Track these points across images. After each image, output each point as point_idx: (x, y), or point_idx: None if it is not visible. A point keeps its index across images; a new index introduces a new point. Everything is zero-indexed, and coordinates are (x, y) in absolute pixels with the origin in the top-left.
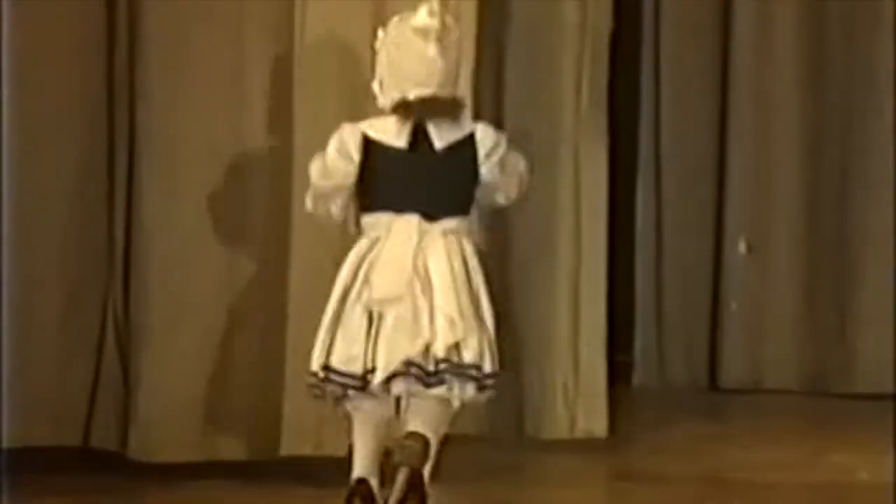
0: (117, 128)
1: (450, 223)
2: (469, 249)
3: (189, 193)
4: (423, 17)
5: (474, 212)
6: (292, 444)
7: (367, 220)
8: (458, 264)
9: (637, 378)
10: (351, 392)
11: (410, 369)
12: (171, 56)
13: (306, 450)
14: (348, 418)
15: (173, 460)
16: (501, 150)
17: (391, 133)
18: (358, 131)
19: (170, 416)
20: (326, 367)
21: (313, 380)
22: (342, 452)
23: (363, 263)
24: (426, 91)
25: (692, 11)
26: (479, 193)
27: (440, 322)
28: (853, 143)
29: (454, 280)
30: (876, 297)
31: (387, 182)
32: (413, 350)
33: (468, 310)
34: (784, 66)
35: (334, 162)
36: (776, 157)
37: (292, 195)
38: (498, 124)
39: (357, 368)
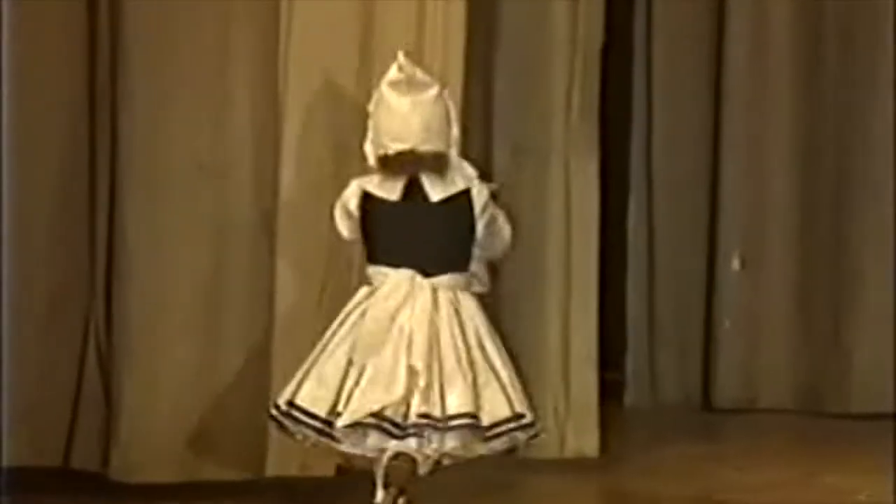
0: (98, 148)
1: (443, 279)
2: (466, 303)
3: (172, 210)
4: (393, 72)
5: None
6: (278, 464)
7: (370, 270)
8: (448, 320)
9: (629, 397)
10: (309, 433)
11: (383, 423)
12: (155, 66)
13: (292, 470)
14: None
15: (155, 480)
16: (490, 208)
17: (387, 188)
18: (359, 189)
19: (152, 434)
20: (290, 404)
21: (274, 412)
22: (329, 473)
23: (355, 311)
24: (403, 146)
25: (684, 23)
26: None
27: (404, 378)
28: (849, 157)
29: (435, 336)
30: (872, 315)
31: (384, 235)
32: (386, 401)
33: (456, 364)
34: (778, 77)
35: (339, 220)
36: (770, 170)
37: (278, 209)
38: (488, 137)
39: (321, 410)
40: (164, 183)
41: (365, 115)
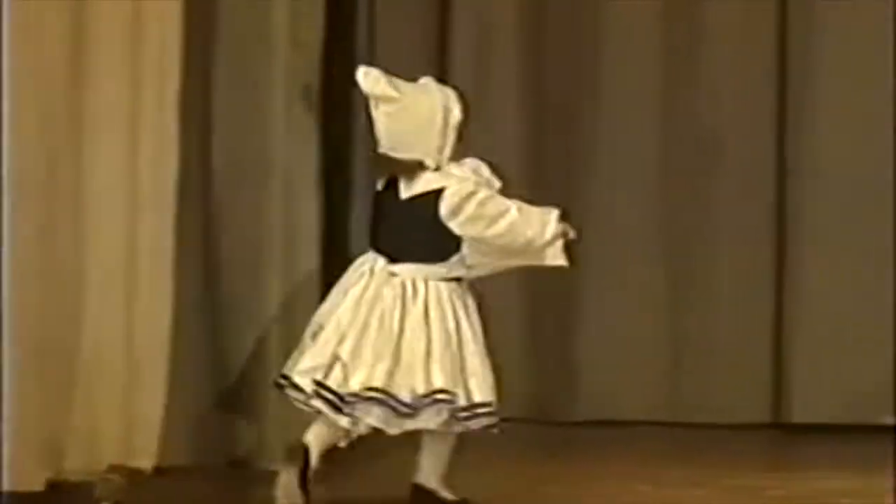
0: None
1: (402, 267)
2: (428, 293)
3: None
4: (358, 79)
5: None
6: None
7: None
8: (391, 304)
9: None
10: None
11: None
12: None
13: (33, 486)
14: None
15: None
16: (469, 209)
17: (380, 179)
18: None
19: None
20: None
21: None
22: (39, 487)
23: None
24: (378, 149)
25: (407, 36)
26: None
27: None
28: (574, 167)
29: (381, 325)
30: (597, 323)
31: (372, 221)
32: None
33: (369, 346)
34: (503, 89)
35: None
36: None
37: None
38: (206, 147)
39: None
40: None
41: (76, 117)
